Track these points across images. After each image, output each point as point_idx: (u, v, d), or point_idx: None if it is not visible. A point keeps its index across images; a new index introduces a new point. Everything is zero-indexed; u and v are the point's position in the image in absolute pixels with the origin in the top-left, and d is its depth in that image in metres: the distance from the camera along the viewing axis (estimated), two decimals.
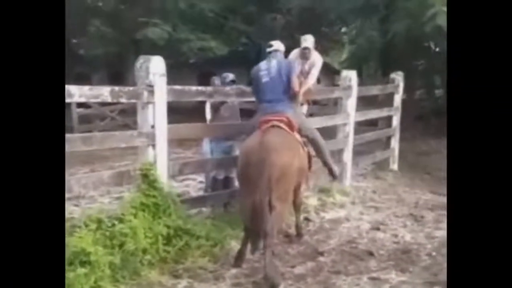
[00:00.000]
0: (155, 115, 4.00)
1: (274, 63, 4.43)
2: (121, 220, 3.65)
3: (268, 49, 4.68)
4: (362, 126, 7.99)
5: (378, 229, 5.04)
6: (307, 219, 5.23)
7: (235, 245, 4.20)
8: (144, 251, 3.66)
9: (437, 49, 15.40)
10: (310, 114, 8.75)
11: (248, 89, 5.04)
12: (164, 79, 4.03)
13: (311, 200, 5.79)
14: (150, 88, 3.93)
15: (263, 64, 4.48)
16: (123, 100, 3.89)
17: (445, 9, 7.83)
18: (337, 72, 11.56)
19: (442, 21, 7.98)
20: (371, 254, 4.28)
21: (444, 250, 4.30)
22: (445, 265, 3.99)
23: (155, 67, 3.97)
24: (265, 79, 4.36)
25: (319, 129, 6.80)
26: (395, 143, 8.17)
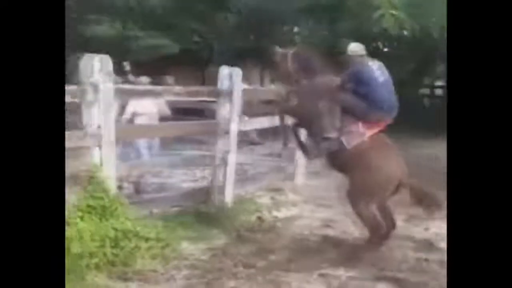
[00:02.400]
0: (101, 115, 3.89)
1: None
2: (67, 223, 3.53)
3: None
4: None
5: (329, 226, 5.13)
6: (259, 218, 5.25)
7: (186, 246, 4.16)
8: (91, 254, 3.55)
9: (385, 50, 15.85)
10: (264, 113, 8.79)
11: (195, 88, 5.01)
12: (110, 78, 3.92)
13: (263, 199, 5.82)
14: (95, 87, 3.81)
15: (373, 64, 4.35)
16: (66, 99, 3.76)
17: (391, 11, 8.06)
18: None
19: (387, 23, 8.22)
20: (321, 251, 4.35)
21: (392, 244, 4.43)
22: (392, 259, 4.11)
23: (101, 65, 3.86)
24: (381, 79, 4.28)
25: (272, 129, 6.87)
26: None
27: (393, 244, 4.45)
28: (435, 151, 8.63)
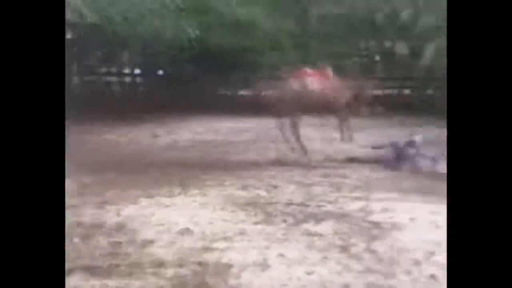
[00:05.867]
0: None
1: None
2: None
3: None
4: None
5: None
6: None
7: None
8: None
9: (69, 37, 15.43)
10: None
11: None
12: None
13: None
14: None
15: None
16: None
17: None
18: None
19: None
20: None
21: (84, 233, 4.40)
22: (84, 248, 4.06)
23: None
24: None
25: None
26: None
27: (85, 233, 4.42)
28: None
